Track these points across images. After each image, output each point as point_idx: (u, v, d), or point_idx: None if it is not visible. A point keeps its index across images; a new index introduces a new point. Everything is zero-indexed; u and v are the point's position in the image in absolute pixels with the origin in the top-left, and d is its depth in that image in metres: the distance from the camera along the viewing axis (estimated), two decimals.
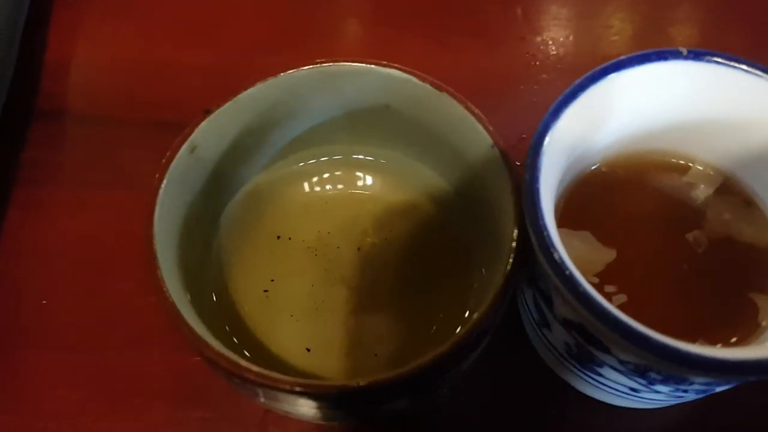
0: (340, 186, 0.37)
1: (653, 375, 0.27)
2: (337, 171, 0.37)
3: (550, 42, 0.46)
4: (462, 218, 0.35)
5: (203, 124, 0.30)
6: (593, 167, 0.33)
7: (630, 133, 0.32)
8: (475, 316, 0.26)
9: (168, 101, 0.43)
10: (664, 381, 0.27)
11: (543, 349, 0.34)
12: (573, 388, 0.34)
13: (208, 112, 0.30)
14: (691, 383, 0.27)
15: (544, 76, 0.45)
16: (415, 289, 0.35)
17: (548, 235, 0.25)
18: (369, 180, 0.37)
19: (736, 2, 0.49)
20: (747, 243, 0.31)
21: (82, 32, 0.46)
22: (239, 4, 0.49)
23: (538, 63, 0.45)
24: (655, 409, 0.34)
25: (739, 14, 0.49)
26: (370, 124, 0.35)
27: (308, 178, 0.37)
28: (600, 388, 0.31)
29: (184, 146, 0.29)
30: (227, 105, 0.31)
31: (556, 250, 0.25)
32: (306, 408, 0.27)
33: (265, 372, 0.25)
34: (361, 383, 0.24)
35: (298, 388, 0.24)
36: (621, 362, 0.27)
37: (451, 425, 0.34)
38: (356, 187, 0.37)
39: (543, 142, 0.27)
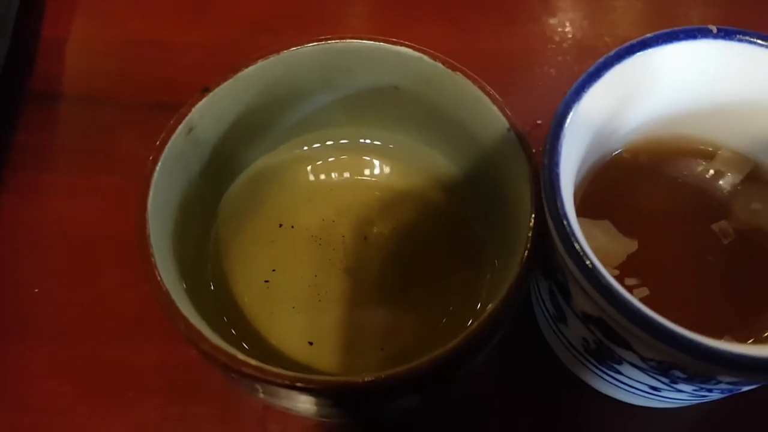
0: (345, 172, 0.35)
1: (677, 373, 0.25)
2: (343, 156, 0.35)
3: (568, 24, 0.44)
4: (474, 206, 0.34)
5: (201, 103, 0.28)
6: (615, 153, 0.31)
7: (655, 117, 0.30)
8: (489, 308, 0.24)
9: (164, 82, 0.41)
10: (689, 380, 0.25)
11: (558, 346, 0.32)
12: (589, 387, 0.32)
13: (206, 91, 0.29)
14: (718, 382, 0.25)
15: (559, 58, 0.43)
16: (424, 281, 0.33)
17: (569, 224, 0.24)
18: (377, 166, 0.35)
19: None
20: None
21: (78, 12, 0.45)
22: None
23: (554, 46, 0.43)
24: (674, 408, 0.32)
25: None
26: (378, 107, 0.33)
27: (312, 163, 0.35)
28: (618, 387, 0.30)
29: (180, 127, 0.28)
30: (227, 83, 0.29)
31: (577, 240, 0.24)
32: (308, 404, 0.25)
33: (264, 366, 0.23)
34: (367, 379, 0.23)
35: (299, 384, 0.23)
36: (643, 359, 0.25)
37: (461, 424, 0.33)
38: (363, 173, 0.35)
39: (564, 124, 0.26)
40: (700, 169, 0.31)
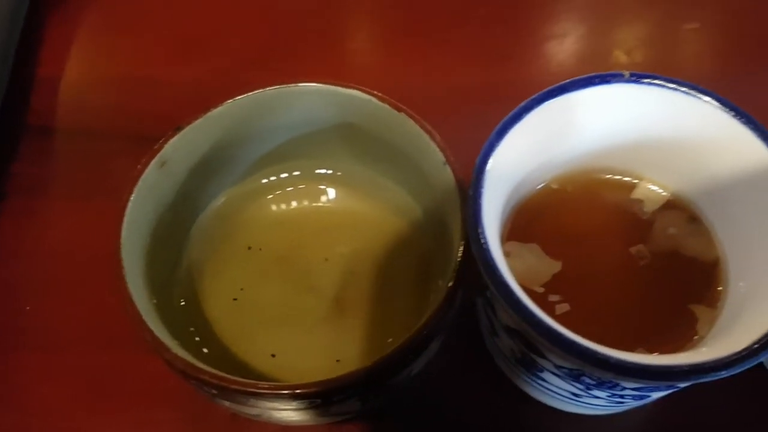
0: (309, 200, 0.39)
1: (587, 380, 0.28)
2: (306, 186, 0.39)
3: (533, 61, 0.48)
4: (423, 231, 0.37)
5: (173, 139, 0.32)
6: (544, 183, 0.35)
7: (579, 152, 0.34)
8: (417, 325, 0.28)
9: (154, 116, 0.44)
10: (598, 386, 0.29)
11: (497, 355, 0.35)
12: (527, 394, 0.35)
13: (178, 129, 0.32)
14: (623, 388, 0.28)
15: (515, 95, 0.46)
16: (379, 298, 0.37)
17: (487, 249, 0.27)
18: (338, 194, 0.39)
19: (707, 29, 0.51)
20: (691, 257, 0.33)
21: (73, 49, 0.49)
22: (229, 20, 0.51)
23: (515, 82, 0.47)
24: (610, 415, 0.35)
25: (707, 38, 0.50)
26: (337, 141, 0.37)
27: (278, 192, 0.39)
28: (547, 393, 0.33)
29: (154, 161, 0.31)
30: (197, 122, 0.33)
31: (494, 261, 0.27)
32: (258, 409, 0.28)
33: (217, 372, 0.26)
34: (299, 386, 0.26)
35: (244, 388, 0.26)
36: (557, 367, 0.29)
37: (408, 427, 0.36)
38: (325, 201, 0.39)
39: (487, 162, 0.29)
40: (622, 198, 0.35)
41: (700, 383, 0.25)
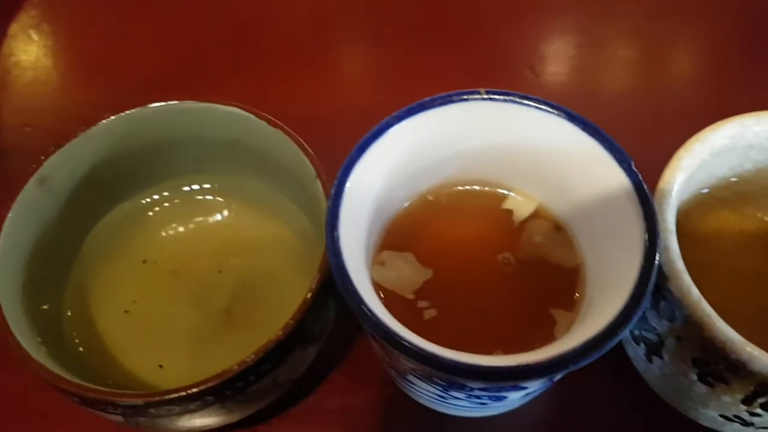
0: (203, 214, 0.40)
1: (438, 380, 0.30)
2: (200, 200, 0.40)
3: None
4: (312, 241, 0.38)
5: (53, 157, 0.33)
6: (420, 194, 0.36)
7: (452, 165, 0.36)
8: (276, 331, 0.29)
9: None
10: (450, 387, 0.30)
11: (381, 359, 0.37)
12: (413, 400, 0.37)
13: (58, 147, 0.33)
14: (472, 389, 0.30)
15: None
16: (268, 309, 0.38)
17: (343, 267, 0.28)
18: (230, 208, 0.41)
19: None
20: (554, 263, 0.35)
21: None
22: (136, 46, 0.53)
23: None
24: (496, 415, 0.36)
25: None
26: (225, 157, 0.38)
27: (172, 208, 0.40)
28: (420, 395, 0.34)
29: (33, 179, 0.33)
30: (76, 140, 0.34)
31: (345, 270, 0.28)
32: (118, 417, 0.29)
33: (71, 379, 0.28)
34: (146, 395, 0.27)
35: (102, 397, 0.27)
36: (413, 369, 0.30)
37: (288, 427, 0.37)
38: (218, 214, 0.40)
39: (347, 177, 0.30)
40: (493, 208, 0.36)
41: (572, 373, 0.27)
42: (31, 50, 0.52)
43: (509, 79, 0.52)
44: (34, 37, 0.53)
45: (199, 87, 0.50)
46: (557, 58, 0.55)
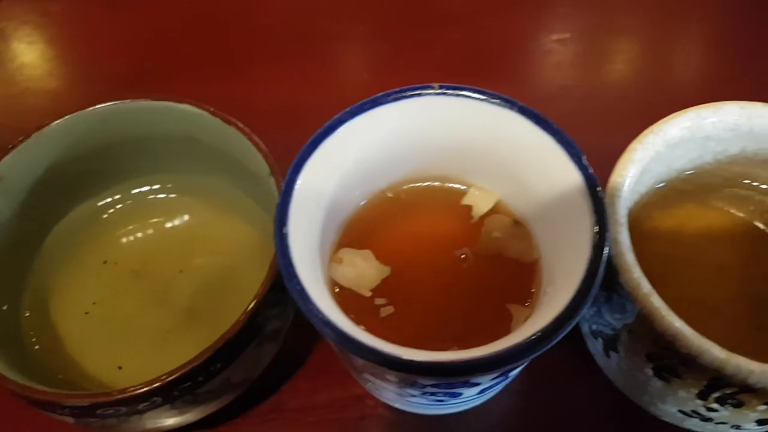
0: (165, 213, 0.40)
1: (391, 378, 0.30)
2: (162, 199, 0.40)
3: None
4: (270, 237, 0.38)
5: (7, 157, 0.33)
6: (379, 191, 0.36)
7: (410, 161, 0.35)
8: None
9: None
10: (402, 383, 0.30)
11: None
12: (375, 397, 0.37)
13: (12, 147, 0.33)
14: (424, 385, 0.30)
15: None
16: (230, 308, 0.37)
17: (291, 264, 0.28)
18: (192, 206, 0.40)
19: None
20: (513, 258, 0.34)
21: None
22: (109, 46, 0.53)
23: None
24: (461, 411, 0.36)
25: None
26: (183, 155, 0.38)
27: (133, 207, 0.40)
28: (382, 394, 0.34)
29: None
30: (30, 139, 0.34)
31: (293, 268, 0.28)
32: (68, 418, 0.29)
33: (20, 381, 0.27)
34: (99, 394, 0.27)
35: (46, 398, 0.27)
36: (364, 366, 0.30)
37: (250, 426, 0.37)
38: (180, 213, 0.40)
39: (297, 174, 0.30)
40: (452, 204, 0.36)
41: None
42: None
43: (489, 74, 0.52)
44: None
45: (173, 86, 0.49)
46: (533, 53, 0.54)
